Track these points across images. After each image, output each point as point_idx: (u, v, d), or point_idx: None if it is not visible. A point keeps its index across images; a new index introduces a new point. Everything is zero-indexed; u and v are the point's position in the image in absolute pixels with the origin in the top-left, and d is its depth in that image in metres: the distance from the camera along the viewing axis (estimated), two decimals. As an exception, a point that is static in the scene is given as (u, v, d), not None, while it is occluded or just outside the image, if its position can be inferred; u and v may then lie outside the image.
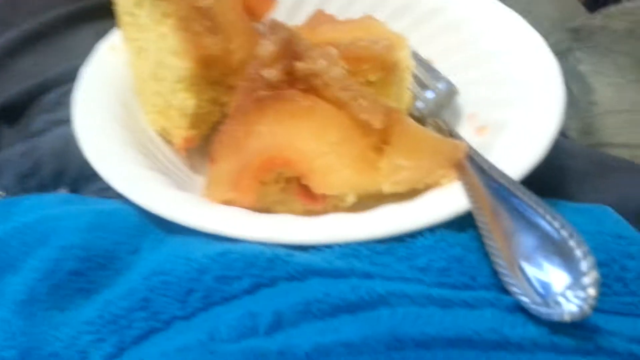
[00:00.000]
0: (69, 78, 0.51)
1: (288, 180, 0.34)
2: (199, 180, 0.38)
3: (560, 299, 0.22)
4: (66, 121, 0.45)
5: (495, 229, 0.25)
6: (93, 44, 0.60)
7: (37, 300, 0.25)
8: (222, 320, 0.23)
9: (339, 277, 0.24)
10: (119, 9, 0.41)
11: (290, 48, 0.33)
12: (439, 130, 0.37)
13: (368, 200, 0.33)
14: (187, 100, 0.36)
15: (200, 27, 0.36)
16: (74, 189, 0.39)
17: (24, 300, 0.25)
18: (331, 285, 0.23)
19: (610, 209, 0.30)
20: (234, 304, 0.23)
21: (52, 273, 0.26)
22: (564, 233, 0.24)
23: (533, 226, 0.25)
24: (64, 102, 0.46)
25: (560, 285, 0.22)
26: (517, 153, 0.31)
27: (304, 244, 0.27)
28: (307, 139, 0.32)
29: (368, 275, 0.24)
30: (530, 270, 0.24)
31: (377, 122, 0.31)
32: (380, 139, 0.31)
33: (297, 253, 0.25)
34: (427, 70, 0.40)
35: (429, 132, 0.33)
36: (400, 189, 0.31)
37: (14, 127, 0.47)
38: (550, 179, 0.35)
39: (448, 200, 0.29)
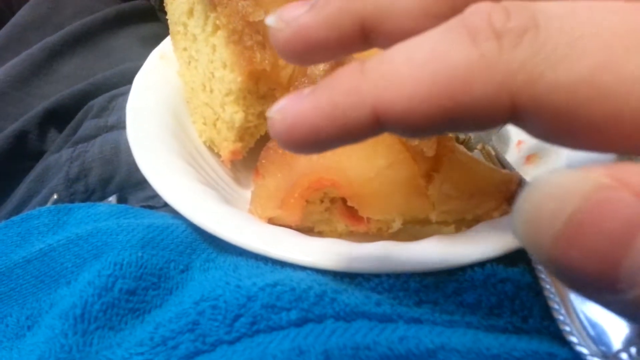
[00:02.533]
0: (114, 83, 0.52)
1: (333, 200, 0.34)
2: (242, 193, 0.38)
3: (624, 356, 0.21)
4: (114, 127, 0.45)
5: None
6: (135, 47, 0.61)
7: (92, 317, 0.25)
8: (269, 351, 0.23)
9: (386, 322, 0.24)
10: (170, 18, 0.41)
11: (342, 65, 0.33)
12: (488, 157, 0.36)
13: (413, 225, 0.33)
14: (235, 114, 0.37)
15: (251, 41, 0.36)
16: (121, 196, 0.39)
17: (79, 315, 0.25)
18: (379, 332, 0.23)
19: None
20: (280, 333, 0.24)
21: (107, 290, 0.26)
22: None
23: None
24: (110, 107, 0.47)
25: (619, 337, 0.22)
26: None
27: (353, 272, 0.27)
28: (357, 161, 0.32)
29: (416, 320, 0.24)
30: (584, 311, 0.24)
31: (429, 150, 0.31)
32: (430, 166, 0.31)
33: (344, 288, 0.25)
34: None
35: (480, 162, 0.32)
36: (448, 218, 0.31)
37: (62, 131, 0.48)
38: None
39: (501, 234, 0.28)
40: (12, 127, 0.48)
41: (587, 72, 0.13)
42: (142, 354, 0.24)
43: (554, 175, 0.12)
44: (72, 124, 0.48)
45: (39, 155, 0.48)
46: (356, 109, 0.15)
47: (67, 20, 0.62)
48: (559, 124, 0.14)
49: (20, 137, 0.48)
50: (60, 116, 0.49)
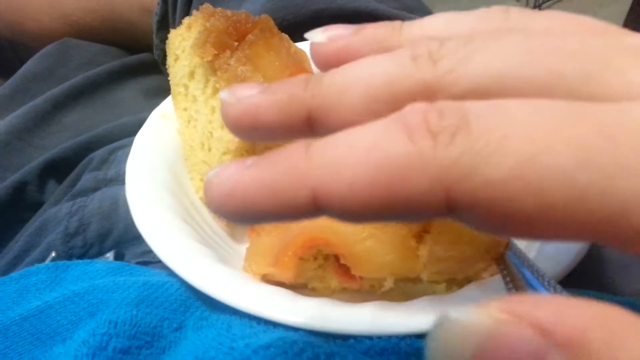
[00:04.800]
0: (115, 135, 0.53)
1: (326, 257, 0.35)
2: (238, 249, 0.39)
3: None
4: (113, 180, 0.46)
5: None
6: (138, 100, 0.62)
7: (85, 377, 0.26)
8: None
9: None
10: (171, 79, 0.43)
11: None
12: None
13: (405, 283, 0.34)
14: (232, 171, 0.38)
15: (249, 102, 0.37)
16: (118, 251, 0.40)
17: (72, 375, 0.26)
18: None
19: None
20: None
21: (101, 350, 0.26)
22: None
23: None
24: (111, 159, 0.48)
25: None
26: (557, 248, 0.31)
27: (344, 333, 0.28)
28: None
29: None
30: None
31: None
32: (421, 227, 0.32)
33: (337, 352, 0.26)
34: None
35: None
36: (439, 278, 0.32)
37: (62, 183, 0.49)
38: (592, 269, 0.35)
39: (490, 296, 0.29)
40: (12, 178, 0.49)
41: (515, 167, 0.14)
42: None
43: (458, 312, 0.13)
44: (72, 175, 0.49)
45: (37, 206, 0.49)
46: (296, 189, 0.16)
47: (72, 73, 0.64)
48: (493, 216, 0.14)
49: (20, 188, 0.49)
50: (60, 168, 0.50)
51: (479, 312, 0.12)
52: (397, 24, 0.21)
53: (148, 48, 0.69)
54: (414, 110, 0.15)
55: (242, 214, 0.16)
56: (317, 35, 0.21)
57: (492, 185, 0.14)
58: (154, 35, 0.66)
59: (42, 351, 0.29)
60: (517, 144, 0.14)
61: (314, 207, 0.16)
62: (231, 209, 0.16)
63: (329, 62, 0.20)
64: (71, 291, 0.30)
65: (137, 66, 0.67)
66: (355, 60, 0.18)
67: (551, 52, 0.16)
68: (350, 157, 0.15)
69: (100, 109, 0.60)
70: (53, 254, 0.40)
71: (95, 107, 0.61)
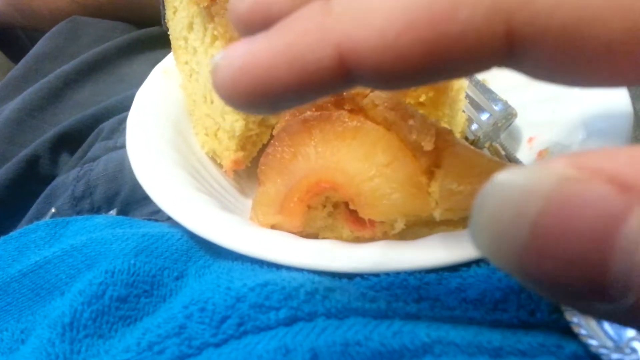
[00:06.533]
0: (126, 106, 0.52)
1: (335, 205, 0.33)
2: (247, 203, 0.38)
3: (637, 345, 0.19)
4: (121, 147, 0.46)
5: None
6: (148, 73, 0.62)
7: (81, 325, 0.25)
8: (255, 351, 0.22)
9: (380, 318, 0.22)
10: (171, 33, 0.41)
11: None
12: (497, 155, 0.35)
13: (419, 227, 0.32)
14: (235, 122, 0.36)
15: (250, 49, 0.36)
16: (125, 212, 0.39)
17: (68, 323, 0.25)
18: (372, 328, 0.21)
19: None
20: (268, 334, 0.22)
21: (98, 298, 0.25)
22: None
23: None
24: (120, 129, 0.48)
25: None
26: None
27: (351, 272, 0.26)
28: (355, 161, 0.31)
29: (413, 316, 0.22)
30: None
31: (427, 143, 0.29)
32: (431, 162, 0.30)
33: (339, 286, 0.24)
34: (482, 91, 0.38)
35: (483, 155, 0.31)
36: (453, 216, 0.30)
37: (74, 154, 0.48)
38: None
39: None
40: (24, 152, 0.49)
41: None
42: (127, 359, 0.23)
43: (510, 173, 0.10)
44: (83, 147, 0.48)
45: (51, 179, 0.48)
46: (317, 50, 0.13)
47: (82, 50, 0.64)
48: (565, 48, 0.12)
49: (33, 162, 0.49)
50: (72, 140, 0.50)
51: (541, 170, 0.10)
52: None
53: (157, 22, 0.68)
54: None
55: (257, 94, 0.14)
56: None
57: (568, 4, 0.11)
58: (161, 7, 0.65)
59: (41, 306, 0.28)
60: None
61: (341, 70, 0.13)
62: (246, 90, 0.14)
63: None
64: (69, 245, 0.30)
65: (146, 40, 0.66)
66: None
67: None
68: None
69: (111, 84, 0.59)
70: (53, 210, 0.39)
71: (106, 82, 0.60)
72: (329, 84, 0.13)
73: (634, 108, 0.35)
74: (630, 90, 0.32)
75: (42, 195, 0.45)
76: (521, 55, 0.12)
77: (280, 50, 0.13)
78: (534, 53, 0.12)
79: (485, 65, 0.13)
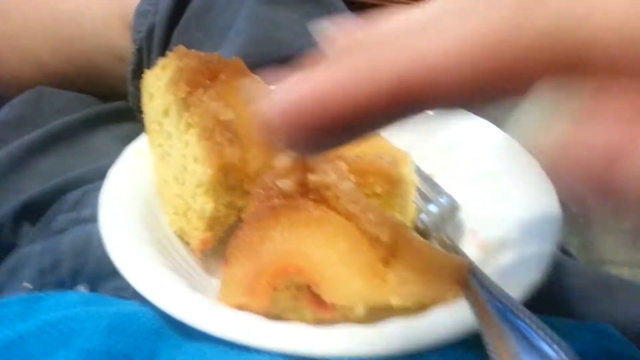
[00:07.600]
0: (89, 178, 0.54)
1: (299, 287, 0.35)
2: (213, 283, 0.39)
3: None
4: (87, 220, 0.47)
5: (502, 350, 0.27)
6: (113, 146, 0.63)
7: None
8: None
9: None
10: (146, 117, 0.44)
11: (304, 161, 0.36)
12: (443, 245, 0.39)
13: (377, 312, 0.35)
14: (206, 204, 0.39)
15: (222, 138, 0.39)
16: (92, 287, 0.40)
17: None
18: None
19: (611, 328, 0.32)
20: None
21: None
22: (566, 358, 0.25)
23: (536, 349, 0.26)
24: (84, 201, 0.49)
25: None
26: (517, 272, 0.32)
27: (315, 356, 0.28)
28: (318, 247, 0.34)
29: None
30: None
31: (384, 236, 0.33)
32: (388, 252, 0.33)
33: None
34: (430, 185, 0.42)
35: (433, 248, 0.34)
36: (407, 302, 0.33)
37: (35, 226, 0.49)
38: (553, 296, 0.36)
39: (456, 318, 0.30)
40: None
41: None
42: None
43: None
44: (45, 217, 0.49)
45: (11, 247, 0.48)
46: (378, 78, 0.13)
47: (46, 120, 0.64)
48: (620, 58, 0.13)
49: None
50: (34, 210, 0.50)
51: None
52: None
53: (123, 96, 0.70)
54: None
55: (315, 127, 0.13)
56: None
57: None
58: (128, 84, 0.67)
59: (14, 383, 0.29)
60: None
61: (400, 95, 0.13)
62: (303, 121, 0.13)
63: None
64: (43, 321, 0.30)
65: (112, 114, 0.68)
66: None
67: None
68: (439, 31, 0.13)
69: (76, 155, 0.60)
70: (28, 285, 0.40)
71: (70, 153, 0.61)
72: (386, 110, 0.13)
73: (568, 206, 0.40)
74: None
75: (6, 267, 0.45)
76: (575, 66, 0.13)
77: (338, 79, 0.13)
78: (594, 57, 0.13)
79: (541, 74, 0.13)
